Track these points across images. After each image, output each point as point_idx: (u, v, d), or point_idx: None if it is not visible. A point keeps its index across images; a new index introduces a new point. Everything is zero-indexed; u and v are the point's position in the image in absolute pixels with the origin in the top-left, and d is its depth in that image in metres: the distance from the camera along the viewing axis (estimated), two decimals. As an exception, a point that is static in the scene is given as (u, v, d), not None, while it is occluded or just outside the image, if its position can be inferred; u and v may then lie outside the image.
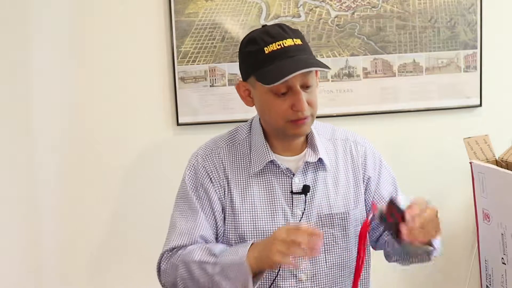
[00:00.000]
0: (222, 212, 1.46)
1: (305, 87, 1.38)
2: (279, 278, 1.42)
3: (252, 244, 1.34)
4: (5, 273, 2.11)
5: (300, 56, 1.37)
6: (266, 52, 1.36)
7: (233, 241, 1.44)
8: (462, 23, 2.22)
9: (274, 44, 1.36)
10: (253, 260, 1.30)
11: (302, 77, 1.36)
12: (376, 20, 2.18)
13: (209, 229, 1.44)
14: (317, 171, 1.47)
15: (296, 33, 1.41)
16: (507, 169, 1.93)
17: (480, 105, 2.27)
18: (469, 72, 2.24)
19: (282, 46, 1.36)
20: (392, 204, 1.29)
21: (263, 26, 1.45)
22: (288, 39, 1.37)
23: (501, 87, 2.30)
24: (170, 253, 1.43)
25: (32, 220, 2.12)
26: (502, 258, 1.92)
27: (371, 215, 1.33)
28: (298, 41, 1.39)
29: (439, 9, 2.20)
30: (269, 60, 1.36)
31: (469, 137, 2.04)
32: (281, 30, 1.39)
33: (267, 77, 1.35)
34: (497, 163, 2.01)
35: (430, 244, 1.38)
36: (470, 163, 2.01)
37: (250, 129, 1.52)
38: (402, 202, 1.28)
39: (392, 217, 1.28)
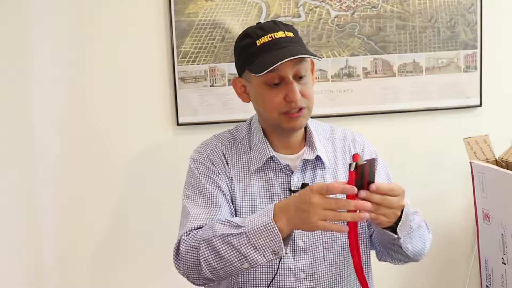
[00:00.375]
0: (232, 200, 1.46)
1: (298, 77, 1.40)
2: (278, 276, 1.42)
3: (275, 204, 1.29)
4: (5, 273, 2.11)
5: (292, 47, 1.38)
6: (258, 44, 1.39)
7: None
8: (462, 23, 2.22)
9: (265, 36, 1.39)
10: (284, 222, 1.25)
11: (294, 67, 1.38)
12: (376, 20, 2.18)
13: (224, 212, 1.42)
14: (316, 169, 1.48)
15: (288, 28, 1.44)
16: (507, 169, 1.93)
17: (480, 105, 2.27)
18: (469, 72, 2.24)
19: (274, 37, 1.39)
20: (370, 166, 1.23)
21: (258, 23, 1.48)
22: (279, 32, 1.40)
23: (501, 87, 2.30)
24: (188, 236, 1.37)
25: (32, 220, 2.12)
26: (502, 258, 1.92)
27: (352, 165, 1.22)
28: (290, 34, 1.41)
29: (439, 9, 2.20)
30: (261, 52, 1.38)
31: (469, 137, 2.04)
32: (274, 24, 1.42)
33: (258, 67, 1.37)
34: (497, 163, 2.01)
35: (394, 232, 1.34)
36: (470, 163, 2.01)
37: (249, 128, 1.53)
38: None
39: (359, 178, 1.22)
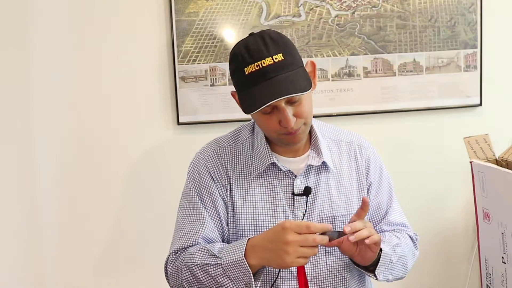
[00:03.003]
0: (226, 211, 1.46)
1: (291, 102, 1.35)
2: (279, 280, 1.42)
3: (248, 240, 1.33)
4: (5, 274, 2.11)
5: (279, 76, 1.32)
6: (246, 73, 1.33)
7: (233, 241, 1.45)
8: (462, 23, 2.22)
9: (253, 65, 1.32)
10: (255, 260, 1.30)
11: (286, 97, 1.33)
12: (376, 19, 2.18)
13: (213, 229, 1.45)
14: (320, 173, 1.47)
15: (278, 47, 1.34)
16: (507, 168, 1.94)
17: (480, 104, 2.27)
18: (469, 71, 2.25)
19: (261, 66, 1.32)
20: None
21: (250, 34, 1.40)
22: (267, 58, 1.32)
23: (501, 87, 2.30)
24: (175, 256, 1.45)
25: (33, 220, 2.12)
26: (502, 257, 1.92)
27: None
28: (279, 57, 1.32)
29: (439, 9, 2.20)
30: (248, 83, 1.33)
31: (469, 137, 2.04)
32: (262, 45, 1.34)
33: (245, 104, 1.34)
34: (497, 162, 2.01)
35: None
36: (470, 162, 2.01)
37: (253, 129, 1.51)
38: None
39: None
